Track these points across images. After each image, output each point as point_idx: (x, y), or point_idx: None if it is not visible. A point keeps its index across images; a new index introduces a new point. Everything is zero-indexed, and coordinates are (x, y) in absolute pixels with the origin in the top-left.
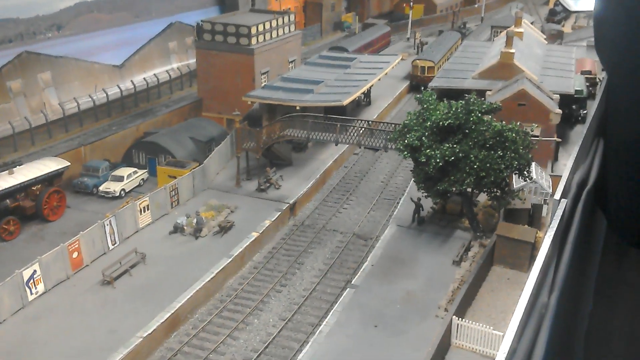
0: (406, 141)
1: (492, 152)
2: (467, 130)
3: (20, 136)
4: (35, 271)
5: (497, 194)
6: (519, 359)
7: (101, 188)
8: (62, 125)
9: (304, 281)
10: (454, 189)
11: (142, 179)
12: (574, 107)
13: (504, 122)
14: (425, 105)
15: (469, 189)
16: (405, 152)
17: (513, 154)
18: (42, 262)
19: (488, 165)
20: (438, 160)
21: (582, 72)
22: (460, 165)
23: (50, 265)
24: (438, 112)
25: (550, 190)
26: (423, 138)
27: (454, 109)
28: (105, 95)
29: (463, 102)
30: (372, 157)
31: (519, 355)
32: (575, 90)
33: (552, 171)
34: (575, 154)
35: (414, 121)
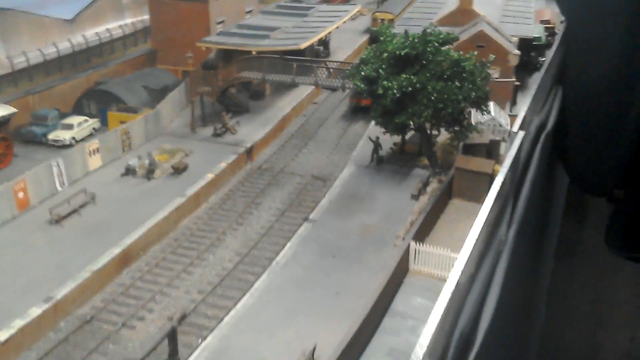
0: (362, 73)
1: (450, 83)
2: (424, 62)
3: None
4: None
5: (456, 129)
6: (477, 287)
7: (50, 136)
8: (11, 79)
9: (262, 219)
10: (411, 122)
11: (94, 128)
12: (532, 54)
13: (461, 53)
14: (382, 38)
15: (427, 124)
16: (362, 85)
17: (470, 85)
18: None
19: (446, 96)
20: (395, 91)
21: (541, 22)
22: (418, 98)
23: None
24: (395, 42)
25: (509, 128)
26: (380, 70)
27: (410, 39)
28: (56, 49)
29: (420, 33)
30: (332, 106)
31: (477, 283)
32: (534, 37)
33: (510, 112)
34: (533, 93)
35: (371, 54)
